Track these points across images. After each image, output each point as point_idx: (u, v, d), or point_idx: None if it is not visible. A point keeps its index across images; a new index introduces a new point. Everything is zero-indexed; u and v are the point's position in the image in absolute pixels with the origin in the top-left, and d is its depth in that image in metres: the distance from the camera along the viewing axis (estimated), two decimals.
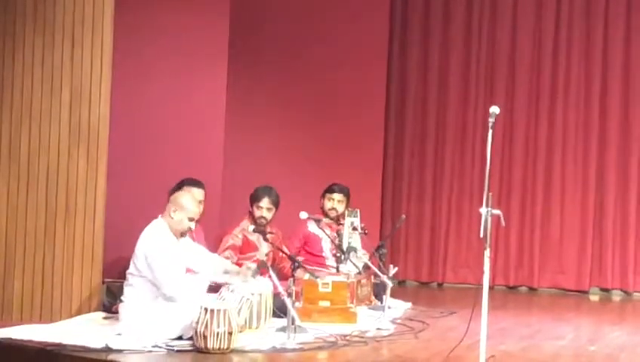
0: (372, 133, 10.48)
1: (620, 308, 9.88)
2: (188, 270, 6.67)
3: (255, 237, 7.92)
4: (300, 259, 7.92)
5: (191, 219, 6.49)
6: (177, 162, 8.20)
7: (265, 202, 7.98)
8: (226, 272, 6.84)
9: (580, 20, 10.62)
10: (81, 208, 7.34)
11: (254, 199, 8.02)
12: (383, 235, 10.15)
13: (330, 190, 8.71)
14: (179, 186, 7.38)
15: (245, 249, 7.97)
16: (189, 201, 6.52)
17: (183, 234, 6.52)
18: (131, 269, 6.40)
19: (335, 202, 8.67)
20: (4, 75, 7.35)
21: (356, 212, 8.29)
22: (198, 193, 7.47)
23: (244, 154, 9.29)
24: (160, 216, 6.50)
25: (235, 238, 7.95)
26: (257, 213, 7.99)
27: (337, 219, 8.65)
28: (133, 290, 6.36)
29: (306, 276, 7.43)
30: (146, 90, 8.20)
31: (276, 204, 8.03)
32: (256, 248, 8.01)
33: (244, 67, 9.21)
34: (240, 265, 7.37)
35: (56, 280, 7.30)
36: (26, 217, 7.33)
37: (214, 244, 7.87)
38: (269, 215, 7.98)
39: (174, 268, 6.34)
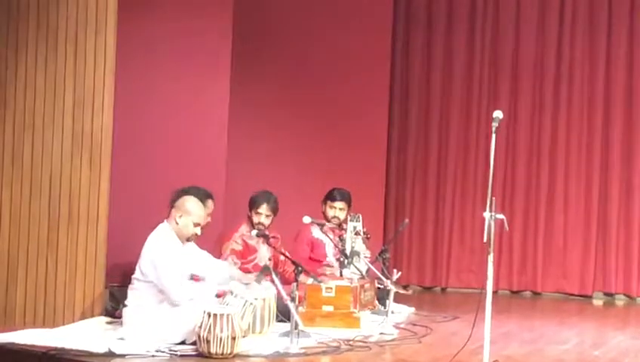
0: (375, 137, 10.49)
1: (624, 312, 9.87)
2: (195, 277, 6.68)
3: (255, 242, 7.92)
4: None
5: (196, 225, 6.49)
6: (180, 168, 8.19)
7: (264, 208, 7.96)
8: (232, 278, 6.84)
9: (583, 24, 10.62)
10: (84, 215, 7.34)
11: (253, 205, 8.00)
12: (386, 240, 10.15)
13: (331, 198, 8.66)
14: (184, 193, 7.33)
15: (245, 254, 7.96)
16: (195, 206, 6.52)
17: (189, 240, 6.52)
18: (137, 274, 6.41)
19: (337, 210, 8.64)
20: (7, 82, 7.36)
21: (358, 216, 8.28)
22: (208, 204, 7.45)
23: (248, 158, 9.28)
24: (165, 220, 6.50)
25: (235, 244, 7.95)
26: (255, 219, 7.96)
27: (340, 224, 8.65)
28: (138, 295, 6.37)
29: (309, 280, 7.43)
30: (149, 96, 8.19)
31: (275, 210, 8.00)
32: (255, 252, 8.01)
33: (248, 72, 9.21)
34: (244, 271, 7.37)
35: (59, 285, 7.30)
36: (29, 223, 7.33)
37: (216, 249, 7.87)
38: (267, 221, 7.96)
39: (179, 274, 6.34)
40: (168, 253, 6.32)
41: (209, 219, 7.39)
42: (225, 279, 6.80)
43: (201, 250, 6.87)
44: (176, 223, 6.45)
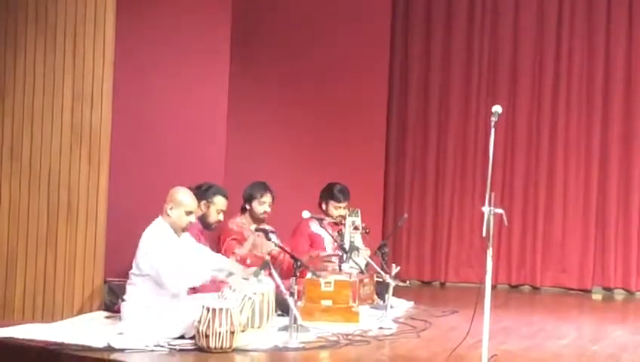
0: (374, 131, 10.48)
1: (623, 307, 9.87)
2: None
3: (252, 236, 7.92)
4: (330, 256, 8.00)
5: (189, 213, 6.48)
6: (179, 162, 8.20)
7: (268, 197, 8.01)
8: (232, 273, 6.82)
9: (581, 20, 10.62)
10: (83, 208, 7.35)
11: (254, 195, 8.02)
12: (385, 234, 10.15)
13: (336, 199, 8.61)
14: (198, 188, 7.35)
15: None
16: (185, 196, 6.51)
17: (184, 230, 6.52)
18: (133, 269, 6.42)
19: (341, 209, 8.63)
20: (6, 76, 7.36)
21: (357, 211, 8.29)
22: (221, 202, 7.48)
23: (246, 154, 9.29)
24: (160, 216, 6.50)
25: (238, 247, 7.94)
26: (260, 208, 7.99)
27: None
28: (136, 289, 6.37)
29: (308, 275, 7.43)
30: (147, 90, 8.20)
31: (274, 198, 8.09)
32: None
33: (246, 67, 9.21)
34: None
35: (58, 280, 7.31)
36: (28, 217, 7.33)
37: (216, 243, 7.87)
38: (269, 209, 8.00)
39: (176, 264, 6.33)
40: (163, 246, 6.32)
41: (221, 216, 7.43)
42: (224, 273, 6.79)
43: (199, 244, 6.87)
44: (169, 215, 6.44)
